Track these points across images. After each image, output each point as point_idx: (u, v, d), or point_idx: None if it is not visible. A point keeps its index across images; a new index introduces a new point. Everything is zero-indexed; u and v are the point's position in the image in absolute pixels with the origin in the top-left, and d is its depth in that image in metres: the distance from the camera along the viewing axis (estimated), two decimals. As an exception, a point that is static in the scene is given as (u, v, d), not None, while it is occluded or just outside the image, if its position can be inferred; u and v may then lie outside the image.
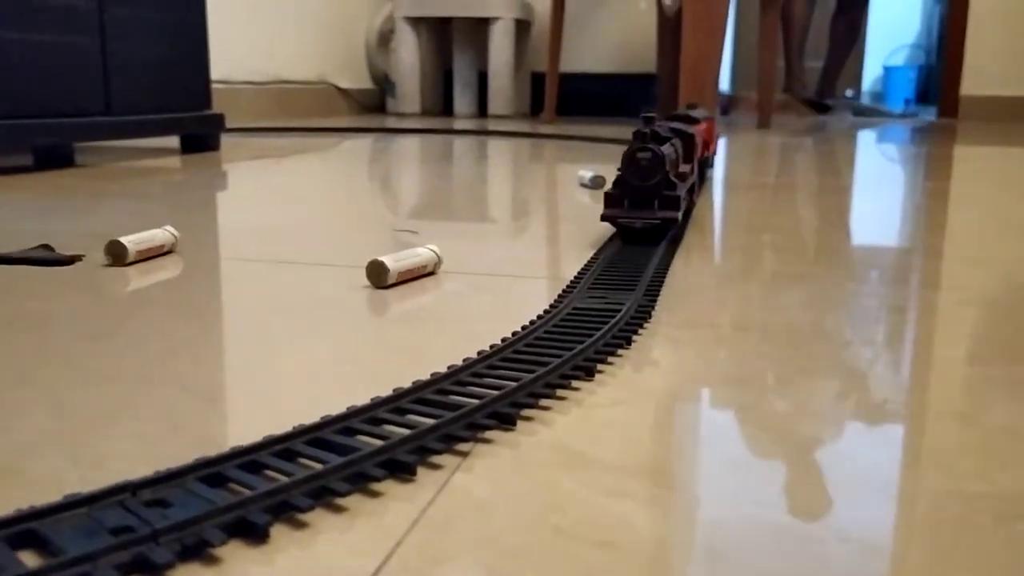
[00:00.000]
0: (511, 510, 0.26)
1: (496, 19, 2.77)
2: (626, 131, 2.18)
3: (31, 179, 1.07)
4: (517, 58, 2.90)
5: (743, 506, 0.26)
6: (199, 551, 0.23)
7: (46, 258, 0.57)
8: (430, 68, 3.00)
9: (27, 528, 0.23)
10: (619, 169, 0.62)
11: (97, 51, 1.20)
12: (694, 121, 0.92)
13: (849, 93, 4.84)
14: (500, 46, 2.79)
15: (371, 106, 3.08)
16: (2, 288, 0.51)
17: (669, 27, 2.66)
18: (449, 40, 3.04)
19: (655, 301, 0.49)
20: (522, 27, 2.95)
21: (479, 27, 2.91)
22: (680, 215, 0.62)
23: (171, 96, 1.36)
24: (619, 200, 0.62)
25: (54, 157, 1.33)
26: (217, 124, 1.46)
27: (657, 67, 2.81)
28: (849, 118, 3.19)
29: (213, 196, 0.95)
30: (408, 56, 2.83)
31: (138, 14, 1.27)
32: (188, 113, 1.40)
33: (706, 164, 1.11)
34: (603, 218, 0.62)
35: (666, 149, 0.63)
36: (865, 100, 4.90)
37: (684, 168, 0.72)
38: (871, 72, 5.23)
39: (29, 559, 0.22)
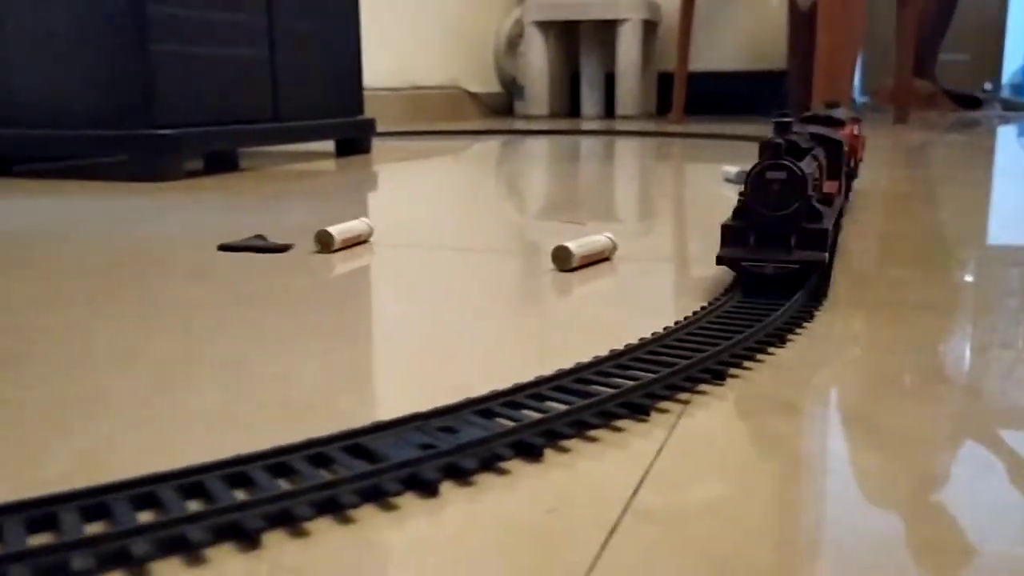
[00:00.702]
0: (738, 444, 0.30)
1: (624, 20, 2.81)
2: (758, 129, 2.18)
3: (209, 182, 1.17)
4: (644, 58, 2.92)
5: (946, 443, 0.29)
6: (492, 464, 0.28)
7: (266, 246, 0.64)
8: (557, 70, 3.06)
9: (354, 443, 0.28)
10: (740, 194, 0.48)
11: (267, 62, 1.30)
12: (838, 123, 0.75)
13: (988, 86, 4.63)
14: (628, 47, 2.82)
15: (499, 109, 3.15)
16: (237, 271, 0.59)
17: (802, 21, 2.63)
18: (576, 42, 3.09)
19: (828, 282, 0.52)
20: (649, 27, 2.97)
21: (607, 29, 2.94)
22: (827, 256, 0.47)
23: (329, 103, 1.45)
24: (742, 236, 0.48)
25: (222, 162, 1.45)
26: (369, 128, 1.55)
27: (788, 64, 2.79)
28: (997, 112, 3.07)
29: (375, 193, 1.02)
30: (536, 59, 2.90)
31: (303, 27, 1.37)
32: (344, 118, 1.49)
33: (852, 177, 0.89)
34: (720, 260, 0.48)
35: (807, 165, 0.48)
36: (1005, 93, 4.68)
37: (830, 187, 0.57)
38: (1011, 65, 4.99)
39: (360, 465, 0.28)
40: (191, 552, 0.23)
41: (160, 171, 1.12)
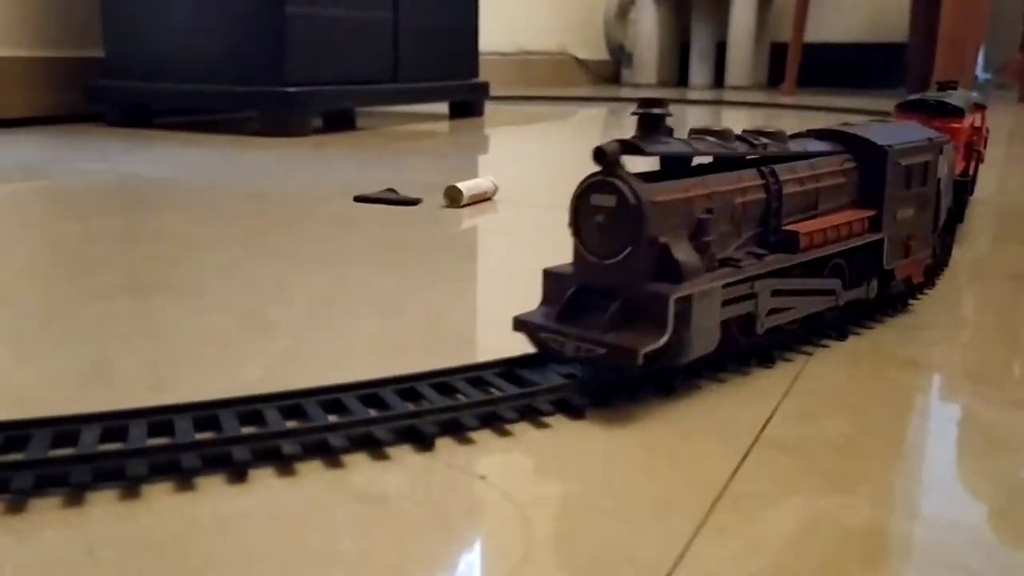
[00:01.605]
0: (863, 390, 0.32)
1: (738, -11, 2.76)
2: (874, 103, 2.12)
3: (332, 139, 1.22)
4: (758, 27, 2.87)
5: (1063, 406, 0.31)
6: (631, 394, 0.31)
7: (398, 199, 0.68)
8: (667, 39, 3.03)
9: (508, 369, 0.32)
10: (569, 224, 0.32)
11: (390, 25, 1.34)
12: (954, 113, 0.56)
13: None
14: (742, 15, 2.78)
15: (605, 76, 3.15)
16: (374, 220, 0.63)
17: (925, -7, 2.53)
18: (688, 10, 3.05)
19: (950, 251, 0.53)
20: (763, -4, 2.91)
21: (719, -3, 2.90)
22: (664, 342, 0.29)
23: (445, 65, 1.49)
24: (557, 292, 0.32)
25: (340, 120, 1.50)
26: (483, 92, 1.58)
27: (909, 36, 2.69)
28: None
29: (490, 155, 1.05)
30: (647, 27, 2.88)
31: (424, -9, 1.41)
32: (459, 81, 1.53)
33: (966, 190, 0.64)
34: (517, 325, 0.32)
35: (673, 190, 0.31)
36: None
37: (843, 221, 0.37)
38: None
39: (514, 388, 0.31)
40: (377, 448, 0.27)
41: (289, 127, 1.18)
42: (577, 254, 0.32)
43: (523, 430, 0.29)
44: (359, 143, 1.16)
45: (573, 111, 1.85)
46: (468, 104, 1.57)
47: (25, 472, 0.24)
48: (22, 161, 0.93)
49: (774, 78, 3.06)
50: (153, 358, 0.35)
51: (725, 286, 0.31)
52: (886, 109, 1.81)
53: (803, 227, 0.35)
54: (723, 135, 0.34)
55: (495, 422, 0.29)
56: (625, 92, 2.58)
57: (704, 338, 0.31)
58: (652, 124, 0.31)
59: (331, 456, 0.26)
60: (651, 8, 2.88)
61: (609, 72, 3.19)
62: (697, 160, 0.34)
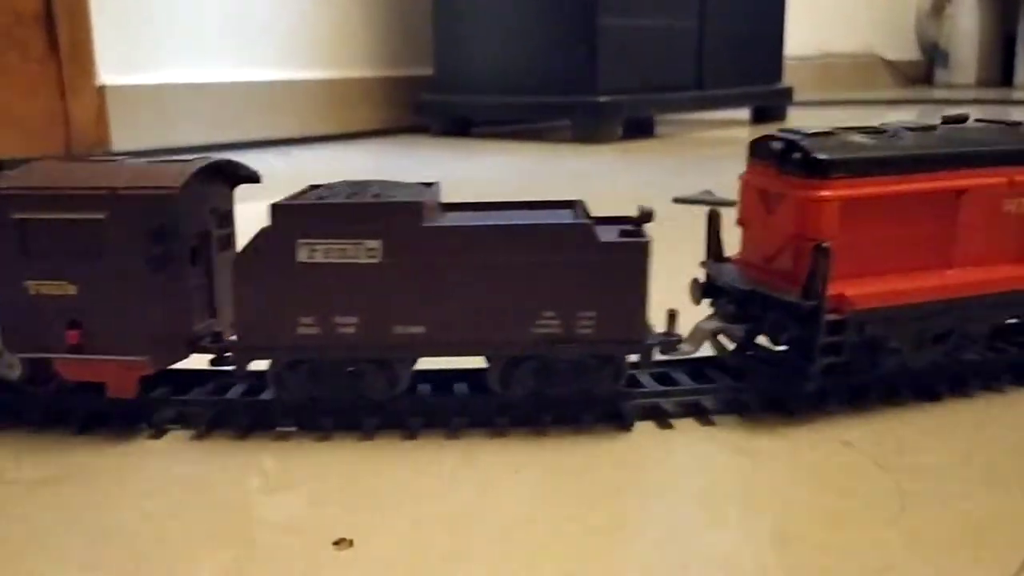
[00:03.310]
0: None
1: (1078, -25, 2.48)
2: None
3: (635, 145, 1.27)
4: (1101, 18, 2.56)
5: None
6: (991, 385, 0.32)
7: (716, 200, 0.71)
8: (989, 34, 2.79)
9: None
10: None
11: (695, 33, 1.37)
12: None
13: None
14: (1080, 5, 2.50)
15: (916, 77, 2.96)
16: (698, 221, 0.66)
17: None
18: (1015, 3, 2.79)
19: None
20: (1110, -18, 2.60)
21: (1054, -15, 2.62)
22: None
23: (749, 70, 1.49)
24: None
25: (640, 127, 1.55)
26: (786, 96, 1.56)
27: None
28: None
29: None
30: (966, 23, 2.68)
31: (731, -2, 1.42)
32: (762, 87, 1.52)
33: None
34: None
35: None
36: None
37: None
38: None
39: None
40: (746, 411, 0.30)
41: (598, 135, 1.24)
42: None
43: (880, 408, 0.30)
44: (662, 149, 1.20)
45: (880, 114, 1.77)
46: (770, 109, 1.56)
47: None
48: (375, 168, 1.06)
49: (1121, 73, 2.72)
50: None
51: None
52: None
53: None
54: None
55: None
56: (939, 93, 2.42)
57: None
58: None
59: (703, 416, 0.30)
60: (971, 2, 2.67)
61: (920, 73, 2.99)
62: None
